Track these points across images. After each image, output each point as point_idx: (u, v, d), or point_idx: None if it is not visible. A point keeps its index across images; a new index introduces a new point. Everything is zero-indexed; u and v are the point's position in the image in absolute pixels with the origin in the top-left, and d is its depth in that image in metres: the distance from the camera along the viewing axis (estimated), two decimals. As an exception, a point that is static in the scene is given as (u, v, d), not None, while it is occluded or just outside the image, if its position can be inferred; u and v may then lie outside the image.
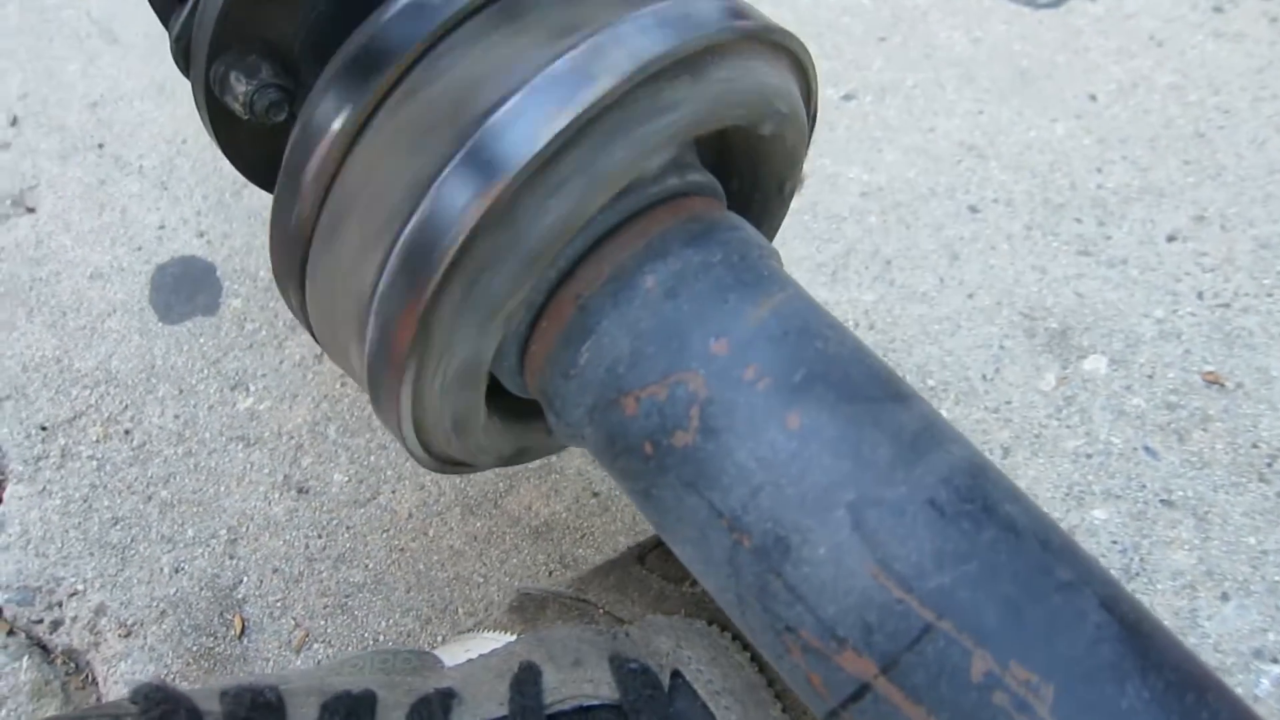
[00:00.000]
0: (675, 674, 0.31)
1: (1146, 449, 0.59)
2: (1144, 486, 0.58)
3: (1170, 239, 0.69)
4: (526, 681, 0.29)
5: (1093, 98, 0.78)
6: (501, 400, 0.41)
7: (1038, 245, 0.69)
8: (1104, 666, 0.23)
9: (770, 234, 0.45)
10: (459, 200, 0.28)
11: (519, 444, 0.42)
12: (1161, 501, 0.57)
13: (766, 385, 0.28)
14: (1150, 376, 0.62)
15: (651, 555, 0.36)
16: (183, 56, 0.39)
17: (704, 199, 0.35)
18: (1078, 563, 0.26)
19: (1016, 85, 0.79)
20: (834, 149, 0.76)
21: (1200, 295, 0.66)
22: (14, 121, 0.84)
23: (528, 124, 0.28)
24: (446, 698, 0.29)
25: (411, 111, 0.31)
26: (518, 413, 0.42)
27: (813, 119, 0.41)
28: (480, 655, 0.33)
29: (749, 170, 0.41)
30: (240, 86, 0.36)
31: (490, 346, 0.33)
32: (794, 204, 0.71)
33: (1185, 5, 0.84)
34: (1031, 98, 0.78)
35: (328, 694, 0.28)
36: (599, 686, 0.30)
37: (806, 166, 0.74)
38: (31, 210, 0.77)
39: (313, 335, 0.39)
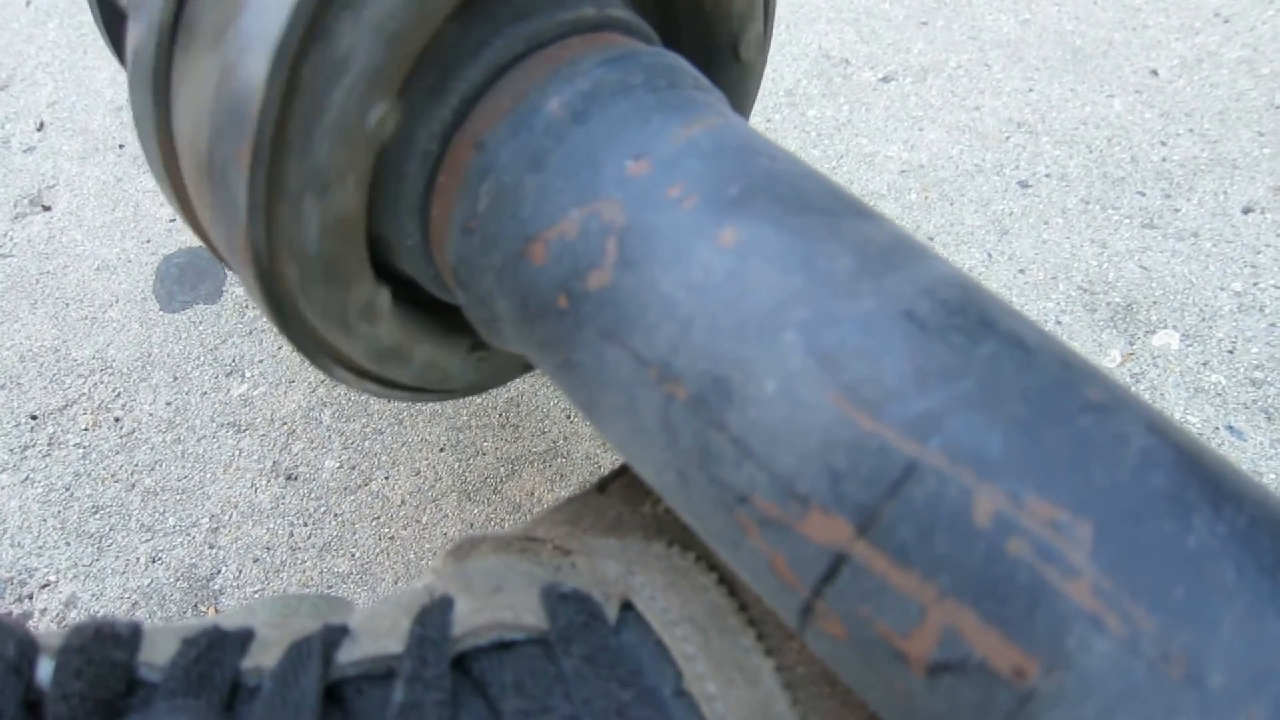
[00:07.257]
0: (627, 605, 0.25)
1: (1230, 429, 0.52)
2: (1228, 472, 0.51)
3: (1246, 210, 0.62)
4: (432, 611, 0.24)
5: (1154, 73, 0.72)
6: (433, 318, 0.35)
7: (1096, 219, 0.63)
8: (1158, 497, 0.17)
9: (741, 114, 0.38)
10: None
11: (437, 356, 0.35)
12: (1250, 489, 0.50)
13: (695, 203, 0.23)
14: (1230, 352, 0.55)
15: (615, 483, 0.30)
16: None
17: (628, 37, 0.30)
18: (1111, 387, 0.20)
19: (1069, 63, 0.74)
20: (871, 129, 0.71)
21: (1285, 267, 0.59)
22: (40, 127, 0.83)
23: None
24: (335, 633, 0.23)
25: None
26: (447, 329, 0.36)
27: None
28: (393, 594, 0.27)
29: (691, 13, 0.34)
30: None
31: (360, 171, 0.27)
32: (825, 179, 0.66)
33: (1253, -18, 0.78)
34: (1086, 75, 0.73)
35: (194, 630, 0.23)
36: (521, 614, 0.24)
37: (840, 145, 0.70)
38: (47, 208, 0.76)
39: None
